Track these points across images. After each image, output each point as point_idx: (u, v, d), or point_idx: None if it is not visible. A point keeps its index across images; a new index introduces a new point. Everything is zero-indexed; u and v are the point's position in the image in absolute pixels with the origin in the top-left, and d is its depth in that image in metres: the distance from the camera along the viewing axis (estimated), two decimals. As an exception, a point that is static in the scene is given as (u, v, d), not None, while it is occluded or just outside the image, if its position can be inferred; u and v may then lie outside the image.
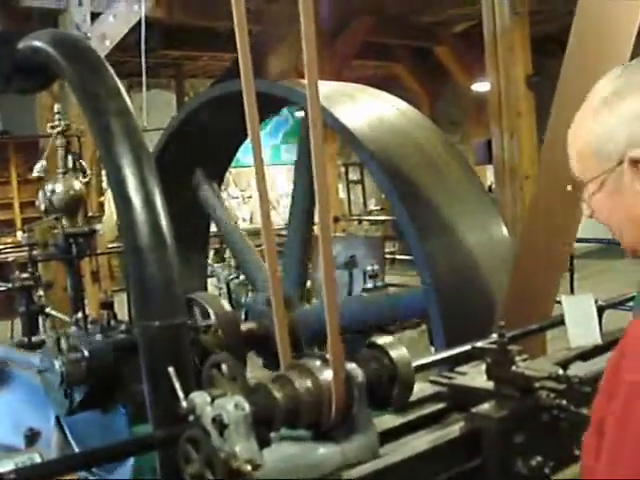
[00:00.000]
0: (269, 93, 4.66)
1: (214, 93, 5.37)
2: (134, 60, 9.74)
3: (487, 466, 2.14)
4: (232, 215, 5.85)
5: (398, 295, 5.06)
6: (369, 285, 5.93)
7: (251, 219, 19.17)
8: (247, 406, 1.71)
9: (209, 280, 9.44)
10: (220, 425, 1.69)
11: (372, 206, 20.78)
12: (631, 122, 1.59)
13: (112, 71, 2.50)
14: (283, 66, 5.66)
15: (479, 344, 2.48)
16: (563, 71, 3.69)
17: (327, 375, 1.86)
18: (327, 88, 5.28)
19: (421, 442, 2.08)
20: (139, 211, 2.25)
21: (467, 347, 2.60)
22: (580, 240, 16.62)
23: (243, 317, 5.34)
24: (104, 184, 10.37)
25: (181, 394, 1.82)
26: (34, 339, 6.46)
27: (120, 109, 2.40)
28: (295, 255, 5.12)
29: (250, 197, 19.08)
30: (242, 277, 6.53)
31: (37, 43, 2.80)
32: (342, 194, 18.51)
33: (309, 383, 1.84)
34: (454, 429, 2.15)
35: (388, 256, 10.32)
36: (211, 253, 9.60)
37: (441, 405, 2.37)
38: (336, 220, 12.51)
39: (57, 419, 4.50)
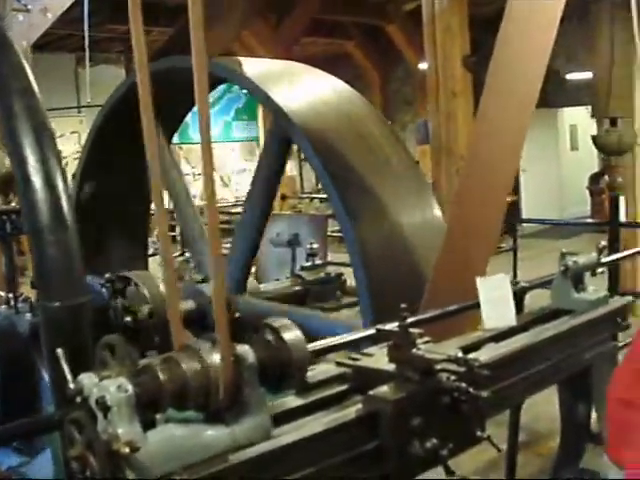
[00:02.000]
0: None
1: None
2: (81, 34, 9.62)
3: (384, 448, 2.16)
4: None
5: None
6: (308, 263, 5.95)
7: (201, 196, 19.05)
8: (130, 388, 1.72)
9: (156, 258, 9.39)
10: (104, 407, 1.69)
11: (324, 184, 20.72)
12: None
13: (17, 48, 2.47)
14: (222, 44, 5.62)
15: (385, 326, 2.49)
16: (495, 52, 3.73)
17: (216, 357, 1.86)
18: (264, 66, 5.27)
19: (317, 424, 2.09)
20: (39, 192, 2.23)
21: (371, 330, 2.62)
22: (528, 221, 16.80)
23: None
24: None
25: (69, 376, 1.82)
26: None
27: (23, 88, 2.37)
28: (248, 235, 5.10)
29: (200, 174, 18.99)
30: (187, 254, 6.55)
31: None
32: (294, 172, 18.49)
33: (196, 365, 1.84)
34: (352, 411, 2.17)
35: (335, 234, 10.29)
36: (156, 231, 9.51)
37: (344, 387, 2.39)
38: (283, 198, 12.52)
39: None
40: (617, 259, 4.94)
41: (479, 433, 2.39)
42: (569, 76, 15.20)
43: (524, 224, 16.70)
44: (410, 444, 2.16)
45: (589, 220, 15.97)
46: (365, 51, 16.34)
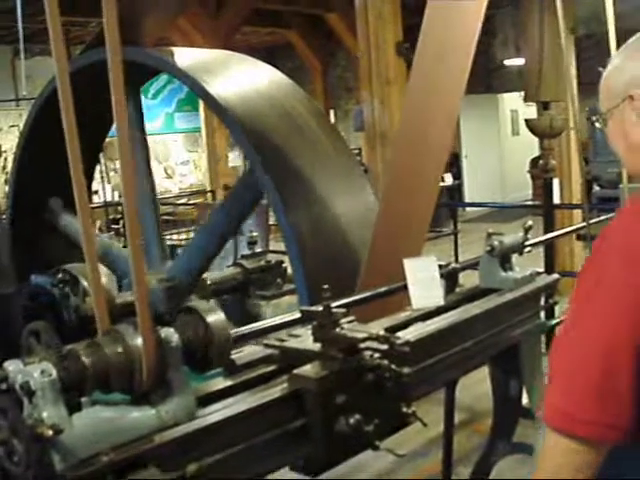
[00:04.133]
0: (139, 61, 4.62)
1: (81, 62, 5.20)
2: (16, 25, 9.48)
3: (310, 426, 2.22)
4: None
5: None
6: (247, 252, 5.98)
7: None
8: (54, 372, 1.76)
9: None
10: (28, 392, 1.73)
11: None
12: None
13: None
14: (158, 31, 5.58)
15: (309, 308, 2.55)
16: (419, 46, 3.79)
17: (139, 340, 1.91)
18: (198, 56, 5.27)
19: (242, 403, 2.14)
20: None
21: (297, 314, 2.68)
22: (467, 204, 16.94)
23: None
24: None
25: (-6, 363, 1.85)
26: None
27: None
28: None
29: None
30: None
31: None
32: (238, 162, 18.44)
33: (119, 348, 1.88)
34: (277, 390, 2.22)
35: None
36: (97, 223, 9.52)
37: (271, 367, 2.44)
38: (226, 188, 12.49)
39: None
40: (546, 239, 5.06)
41: (405, 409, 2.46)
42: (507, 62, 15.36)
43: (467, 209, 16.91)
44: (335, 421, 2.22)
45: (527, 203, 16.16)
46: (306, 40, 16.32)
